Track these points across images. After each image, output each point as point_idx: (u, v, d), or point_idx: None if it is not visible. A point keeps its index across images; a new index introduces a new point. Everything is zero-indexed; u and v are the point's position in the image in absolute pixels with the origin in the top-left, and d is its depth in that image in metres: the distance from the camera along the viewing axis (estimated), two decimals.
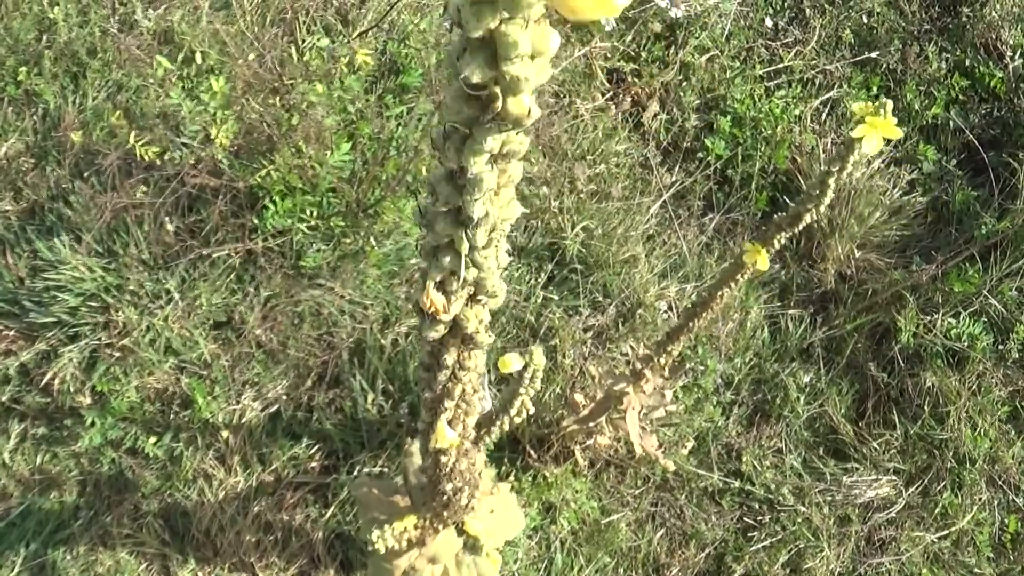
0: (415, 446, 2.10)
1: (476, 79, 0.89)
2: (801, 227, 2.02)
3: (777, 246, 2.10)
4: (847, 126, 3.74)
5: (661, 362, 2.58)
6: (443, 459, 1.69)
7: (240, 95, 2.98)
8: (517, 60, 0.87)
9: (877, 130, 1.70)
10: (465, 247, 1.13)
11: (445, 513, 1.90)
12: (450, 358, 1.38)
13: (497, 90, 0.91)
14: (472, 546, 2.06)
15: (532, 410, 1.72)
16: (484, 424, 1.67)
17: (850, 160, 1.79)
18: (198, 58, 3.10)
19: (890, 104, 1.70)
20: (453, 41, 0.92)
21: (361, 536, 2.64)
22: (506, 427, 1.73)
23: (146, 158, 2.83)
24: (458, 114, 0.96)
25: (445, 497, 1.82)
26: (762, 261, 2.10)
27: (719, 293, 2.27)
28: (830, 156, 3.51)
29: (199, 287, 2.94)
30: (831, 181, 1.86)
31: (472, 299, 1.24)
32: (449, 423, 1.57)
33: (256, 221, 2.96)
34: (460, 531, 2.02)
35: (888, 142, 3.67)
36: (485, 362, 1.41)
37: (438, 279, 1.20)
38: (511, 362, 1.38)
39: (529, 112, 0.92)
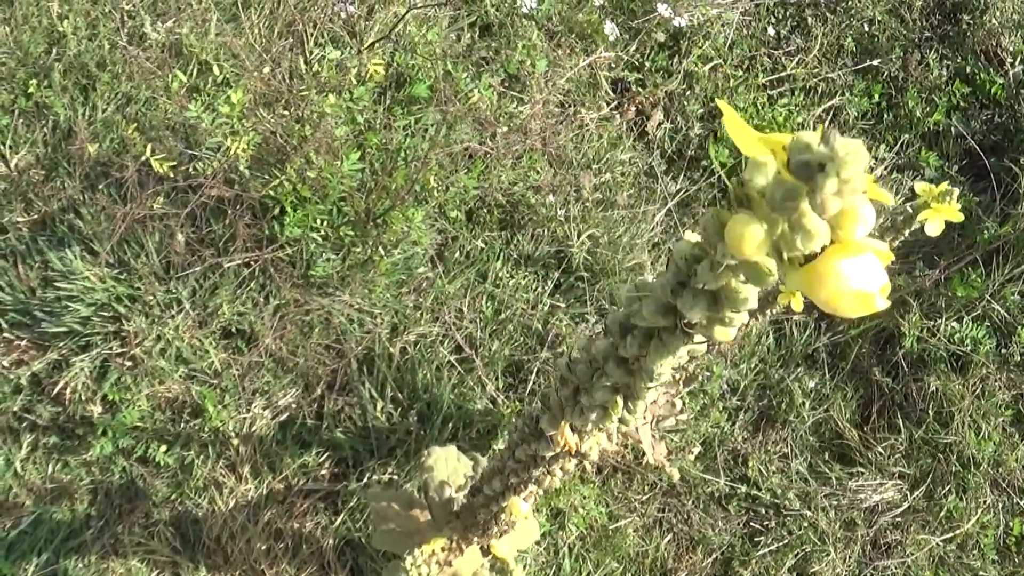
0: (432, 460, 2.12)
1: (696, 320, 0.90)
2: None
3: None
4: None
5: (676, 377, 2.60)
6: (503, 516, 1.71)
7: (253, 107, 3.00)
8: (743, 310, 0.88)
9: (941, 215, 1.73)
10: (619, 412, 1.13)
11: (475, 539, 1.92)
12: (555, 465, 1.39)
13: (705, 321, 0.91)
14: (500, 569, 2.08)
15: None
16: None
17: (905, 233, 1.82)
18: (215, 71, 3.12)
19: (956, 192, 1.72)
20: (666, 274, 0.92)
21: (374, 545, 2.65)
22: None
23: (161, 170, 2.85)
24: (652, 323, 0.96)
25: (483, 530, 1.84)
26: (796, 303, 2.12)
27: (746, 323, 2.29)
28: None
29: (210, 297, 2.97)
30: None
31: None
32: (524, 497, 1.60)
33: (268, 231, 2.98)
34: (484, 551, 2.04)
35: (890, 148, 3.71)
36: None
37: (577, 426, 1.21)
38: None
39: (731, 337, 0.92)
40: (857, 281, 0.74)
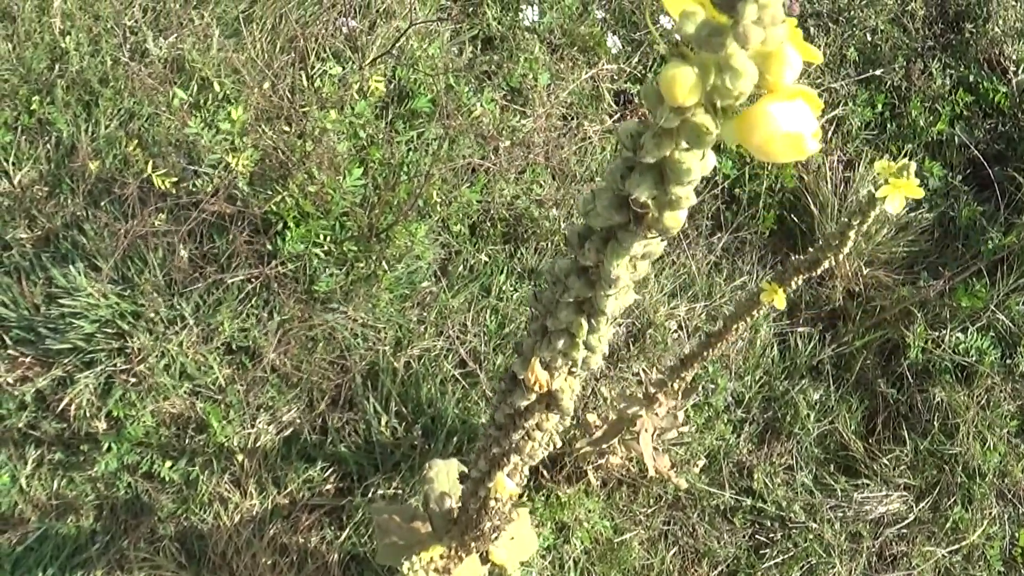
0: (433, 472, 2.12)
1: (644, 198, 0.91)
2: (819, 271, 2.06)
3: (794, 286, 2.13)
4: (853, 143, 3.76)
5: (674, 387, 2.60)
6: (492, 503, 1.72)
7: (254, 123, 3.01)
8: (687, 183, 0.89)
9: (900, 191, 1.73)
10: (584, 333, 1.15)
11: (473, 544, 1.92)
12: (531, 421, 1.40)
13: (653, 204, 0.93)
14: (498, 575, 2.08)
15: (559, 444, 1.75)
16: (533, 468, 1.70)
17: (871, 215, 1.82)
18: (216, 87, 3.13)
19: (913, 166, 1.73)
20: (615, 159, 0.93)
21: (378, 560, 2.65)
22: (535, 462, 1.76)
23: (162, 187, 2.86)
24: (607, 220, 0.98)
25: (479, 532, 1.84)
26: (779, 301, 2.13)
27: (734, 326, 2.29)
28: (851, 207, 3.54)
29: (214, 313, 2.97)
30: (851, 233, 1.90)
31: (570, 372, 1.26)
32: (508, 474, 1.60)
33: (270, 247, 2.99)
34: (484, 559, 2.04)
35: (894, 157, 3.71)
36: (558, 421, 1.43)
37: (546, 359, 1.22)
38: (570, 411, 1.40)
39: (682, 223, 0.94)
40: (787, 124, 0.76)
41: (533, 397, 1.30)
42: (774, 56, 0.75)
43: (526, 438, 1.45)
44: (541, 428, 1.42)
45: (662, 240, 1.01)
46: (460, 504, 1.89)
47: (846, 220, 1.90)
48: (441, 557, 1.96)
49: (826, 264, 2.03)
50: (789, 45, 0.75)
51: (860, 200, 3.42)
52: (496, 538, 1.85)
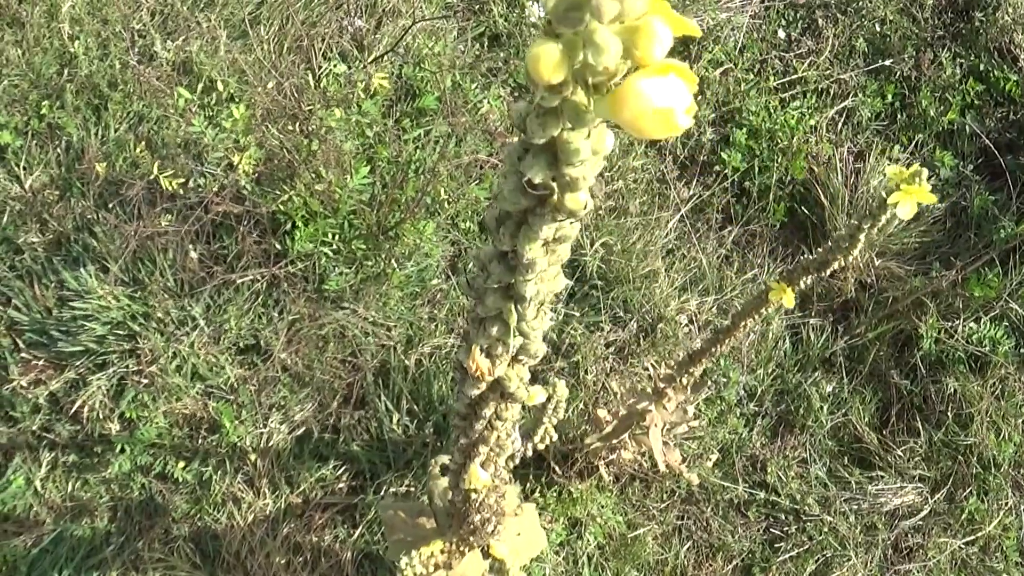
0: (439, 468, 2.13)
1: (538, 180, 0.91)
2: (828, 272, 2.06)
3: (802, 285, 2.13)
4: (863, 135, 3.75)
5: (683, 382, 2.60)
6: (473, 496, 1.72)
7: (260, 122, 3.01)
8: (578, 164, 0.89)
9: (912, 197, 1.73)
10: (514, 319, 1.15)
11: (472, 538, 1.92)
12: (488, 411, 1.40)
13: (555, 186, 0.94)
14: (498, 569, 2.09)
15: (555, 437, 1.75)
16: (508, 458, 1.70)
17: (882, 219, 1.82)
18: (219, 87, 3.14)
19: (925, 173, 1.72)
20: (513, 142, 0.94)
21: (389, 557, 2.66)
22: (529, 453, 1.76)
23: (170, 188, 2.87)
24: (515, 205, 0.98)
25: (473, 526, 1.85)
26: (788, 300, 2.13)
27: (742, 323, 2.29)
28: (861, 198, 3.52)
29: (224, 313, 2.98)
30: (861, 236, 1.89)
31: (514, 360, 1.26)
32: (481, 465, 1.60)
33: (279, 246, 2.99)
34: (486, 554, 2.04)
35: (904, 148, 3.70)
36: (519, 409, 1.43)
37: (484, 345, 1.23)
38: (535, 395, 1.41)
39: (585, 205, 0.94)
40: (658, 99, 0.75)
41: (483, 386, 1.31)
42: (641, 30, 0.74)
43: (489, 427, 1.45)
44: (501, 417, 1.42)
45: (573, 223, 1.01)
46: (451, 497, 1.89)
47: (856, 223, 1.89)
48: (442, 552, 1.96)
49: (836, 265, 2.03)
50: (656, 18, 0.75)
51: (870, 197, 3.44)
52: (493, 531, 1.85)
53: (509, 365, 1.27)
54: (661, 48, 0.75)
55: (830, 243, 2.02)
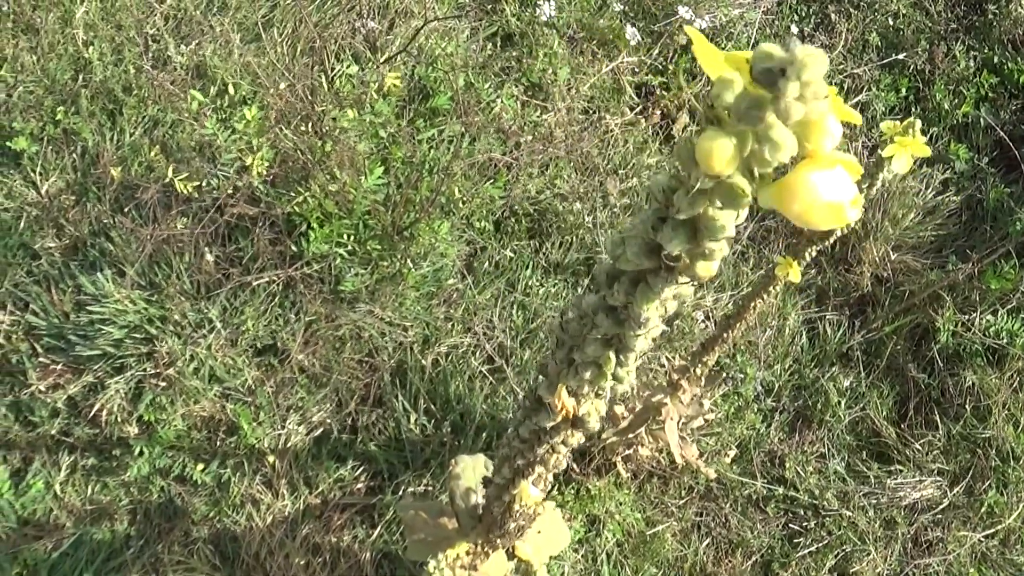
0: (460, 468, 2.13)
1: (676, 252, 0.90)
2: (832, 240, 2.05)
3: (808, 258, 2.12)
4: (877, 128, 3.75)
5: (697, 372, 2.60)
6: (516, 507, 1.72)
7: (273, 124, 3.02)
8: (721, 238, 0.88)
9: (907, 149, 1.72)
10: (612, 367, 1.15)
11: (498, 540, 1.92)
12: (557, 439, 1.39)
13: (687, 256, 0.93)
14: (524, 571, 2.08)
15: (583, 440, 1.75)
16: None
17: (879, 177, 1.82)
18: (231, 89, 3.15)
19: (919, 123, 1.72)
20: (647, 211, 0.93)
21: (408, 557, 2.66)
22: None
23: (185, 191, 2.88)
24: (637, 265, 0.97)
25: (504, 531, 1.85)
26: (794, 274, 2.13)
27: (752, 304, 2.29)
28: (880, 199, 3.52)
29: (241, 315, 2.99)
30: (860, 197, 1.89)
31: (596, 395, 1.26)
32: (532, 482, 1.61)
33: (295, 248, 3.00)
34: (510, 555, 2.04)
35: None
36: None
37: (573, 387, 1.22)
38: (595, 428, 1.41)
39: (714, 272, 0.94)
40: (828, 193, 0.76)
41: (559, 418, 1.30)
42: (815, 126, 0.74)
43: (550, 451, 1.44)
44: (566, 444, 1.41)
45: (693, 284, 1.00)
46: (484, 505, 1.89)
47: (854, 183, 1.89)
48: (467, 553, 1.96)
49: (838, 232, 2.02)
50: (831, 115, 0.75)
51: (885, 190, 3.44)
52: (521, 533, 1.85)
53: (591, 402, 1.26)
54: (832, 143, 0.75)
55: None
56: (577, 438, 1.41)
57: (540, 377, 1.29)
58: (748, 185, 0.80)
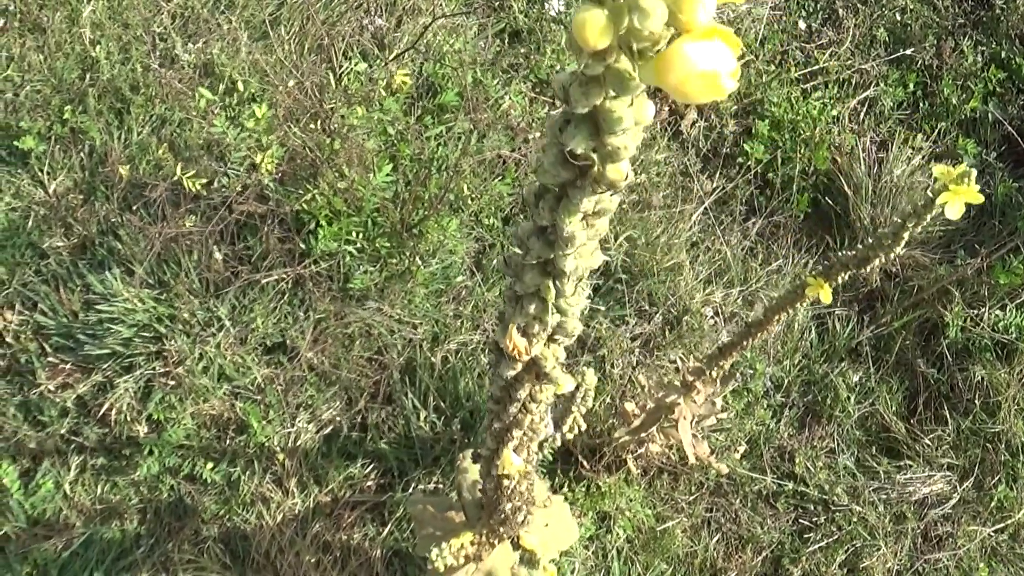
0: (467, 462, 2.13)
1: (580, 150, 0.91)
2: (869, 268, 2.05)
3: (839, 285, 2.12)
4: (886, 124, 3.74)
5: (712, 375, 2.60)
6: (506, 482, 1.72)
7: (282, 122, 3.02)
8: (620, 133, 0.89)
9: (960, 197, 1.72)
10: (552, 296, 1.15)
11: (502, 529, 1.92)
12: (523, 392, 1.40)
13: (596, 157, 0.93)
14: (528, 560, 2.08)
15: (584, 426, 1.75)
16: (540, 443, 1.70)
17: (926, 218, 1.81)
18: (240, 87, 3.14)
19: (974, 173, 1.71)
20: (554, 113, 0.94)
21: (418, 552, 2.66)
22: (559, 443, 1.76)
23: (193, 189, 2.88)
24: (555, 178, 0.98)
25: (503, 515, 1.84)
26: (825, 295, 2.13)
27: (775, 317, 2.29)
28: (885, 188, 3.51)
29: (250, 313, 2.99)
30: (905, 235, 1.88)
31: (550, 339, 1.26)
32: (514, 450, 1.60)
33: (303, 246, 3.00)
34: (516, 545, 2.04)
35: (927, 137, 3.69)
36: (553, 392, 1.43)
37: (521, 324, 1.22)
38: (565, 383, 1.41)
39: (625, 176, 0.94)
40: (703, 63, 0.76)
41: (519, 367, 1.30)
42: None
43: (523, 410, 1.45)
44: (535, 399, 1.42)
45: (613, 195, 1.01)
46: (482, 487, 1.89)
47: (900, 221, 1.88)
48: (472, 543, 1.96)
49: (876, 262, 2.02)
50: None
51: (894, 186, 3.43)
52: (523, 521, 1.85)
53: (545, 344, 1.26)
54: (705, 13, 0.75)
55: (872, 240, 2.00)
56: (546, 394, 1.42)
57: (497, 325, 1.30)
58: (632, 66, 0.81)
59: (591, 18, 0.76)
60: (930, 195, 1.74)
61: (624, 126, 0.88)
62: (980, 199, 1.72)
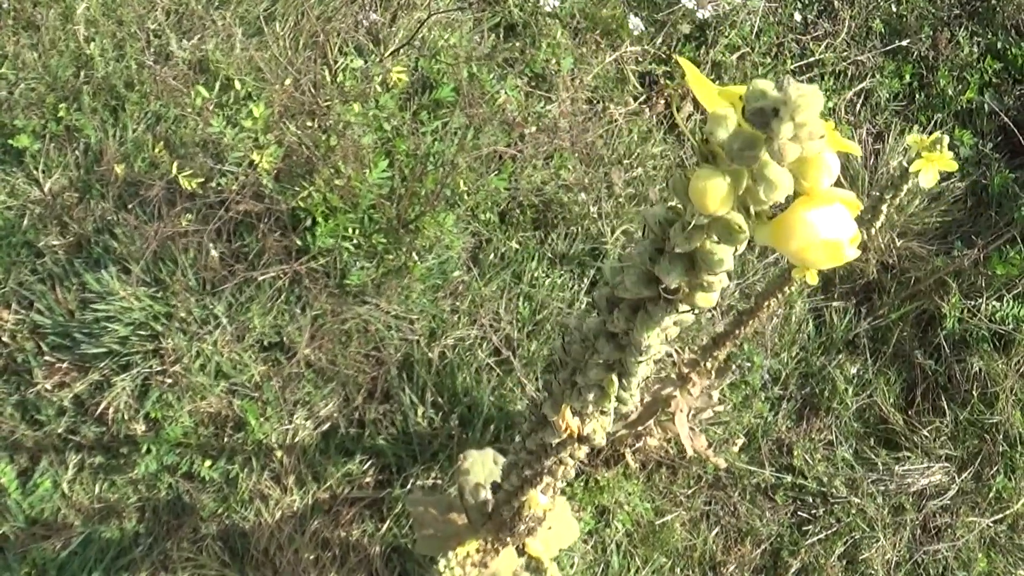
0: (468, 463, 2.12)
1: (674, 285, 0.90)
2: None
3: (835, 276, 2.12)
4: (882, 115, 3.74)
5: (707, 366, 2.60)
6: (526, 512, 1.72)
7: (278, 119, 3.01)
8: (719, 272, 0.88)
9: (933, 164, 1.71)
10: (615, 390, 1.14)
11: (508, 538, 1.92)
12: (564, 454, 1.39)
13: (686, 287, 0.92)
14: (534, 567, 2.08)
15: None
16: None
17: (903, 189, 1.81)
18: (236, 85, 3.14)
19: (946, 139, 1.71)
20: (644, 242, 0.92)
21: (417, 551, 2.66)
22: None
23: (189, 187, 2.87)
24: (636, 294, 0.96)
25: (513, 531, 1.84)
26: (811, 277, 2.12)
27: (765, 303, 2.28)
28: (881, 179, 3.51)
29: (247, 311, 2.98)
30: (883, 207, 1.88)
31: (601, 413, 1.25)
32: (541, 490, 1.60)
33: (300, 243, 2.99)
34: (520, 551, 2.04)
35: (923, 128, 3.69)
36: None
37: (577, 408, 1.21)
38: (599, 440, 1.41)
39: (715, 302, 0.93)
40: (826, 231, 0.75)
41: (564, 435, 1.29)
42: (812, 162, 0.73)
43: (557, 463, 1.44)
44: (573, 457, 1.41)
45: (693, 312, 0.99)
46: (493, 506, 1.89)
47: (878, 194, 1.88)
48: (477, 551, 1.96)
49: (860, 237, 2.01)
50: (829, 151, 0.74)
51: (892, 172, 3.43)
52: (531, 532, 1.85)
53: (596, 419, 1.26)
54: (830, 179, 0.74)
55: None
56: (583, 451, 1.41)
57: (545, 395, 1.28)
58: (745, 222, 0.79)
59: (713, 187, 0.75)
60: (904, 164, 1.74)
61: (725, 268, 0.86)
62: (953, 166, 1.72)
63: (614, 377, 1.12)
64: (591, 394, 1.16)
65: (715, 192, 0.75)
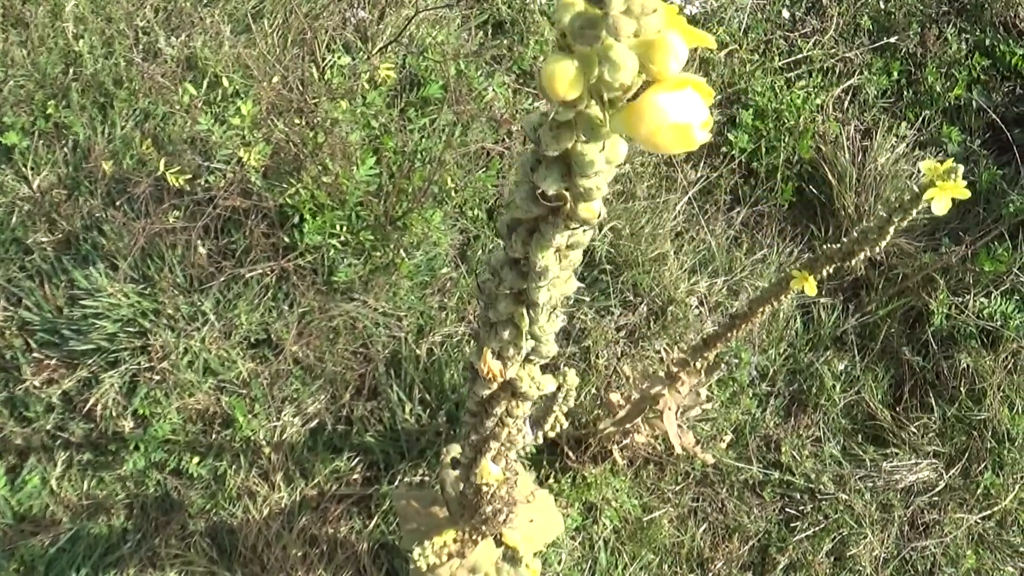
0: (450, 457, 2.13)
1: (551, 191, 0.91)
2: (854, 262, 2.05)
3: (824, 274, 2.12)
4: (870, 112, 3.74)
5: (697, 366, 2.60)
6: (485, 488, 1.72)
7: (266, 117, 3.02)
8: (592, 175, 0.89)
9: (946, 193, 1.72)
10: (526, 324, 1.15)
11: (484, 528, 1.92)
12: (499, 408, 1.40)
13: (568, 196, 0.93)
14: (511, 557, 2.09)
15: (566, 425, 1.75)
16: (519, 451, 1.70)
17: (913, 211, 1.81)
18: (224, 82, 3.14)
19: (961, 169, 1.71)
20: (526, 152, 0.93)
21: (403, 547, 2.66)
22: (540, 441, 1.76)
23: (176, 184, 2.87)
24: (527, 213, 0.98)
25: (484, 516, 1.85)
26: (810, 288, 2.13)
27: (760, 309, 2.29)
28: (869, 176, 3.51)
29: (234, 308, 2.98)
30: (891, 229, 1.88)
31: (526, 360, 1.26)
32: (492, 459, 1.60)
33: (288, 240, 3.00)
34: (499, 542, 2.04)
35: (911, 125, 3.69)
36: (530, 405, 1.43)
37: (496, 348, 1.22)
38: (546, 385, 1.41)
39: (598, 215, 0.94)
40: (675, 114, 0.75)
41: (494, 386, 1.30)
42: (657, 45, 0.74)
43: (500, 424, 1.45)
44: (512, 415, 1.42)
45: (586, 230, 1.01)
46: (461, 489, 1.89)
47: (886, 216, 1.88)
48: (455, 541, 1.97)
49: (861, 256, 2.02)
50: (673, 33, 0.74)
51: (878, 175, 3.44)
52: (506, 520, 1.85)
53: (521, 366, 1.26)
54: (677, 62, 0.74)
55: (856, 233, 2.00)
56: (522, 409, 1.42)
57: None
58: (603, 113, 0.81)
59: (560, 69, 0.76)
60: (916, 189, 1.74)
61: (596, 169, 0.87)
62: (967, 195, 1.72)
63: (524, 311, 1.13)
64: (506, 331, 1.18)
65: (563, 75, 0.76)
